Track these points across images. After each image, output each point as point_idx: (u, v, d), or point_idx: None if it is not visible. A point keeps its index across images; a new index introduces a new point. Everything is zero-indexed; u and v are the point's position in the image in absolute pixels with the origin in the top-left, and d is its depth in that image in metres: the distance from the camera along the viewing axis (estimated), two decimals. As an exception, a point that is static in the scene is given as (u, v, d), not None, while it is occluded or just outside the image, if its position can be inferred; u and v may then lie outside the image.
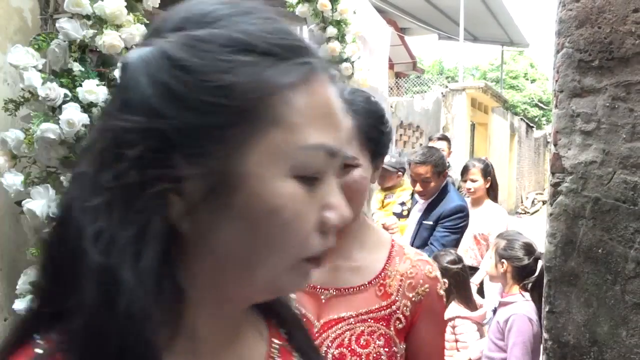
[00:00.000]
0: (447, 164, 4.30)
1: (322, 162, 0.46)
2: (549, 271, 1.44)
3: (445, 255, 2.63)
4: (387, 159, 3.31)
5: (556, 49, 1.44)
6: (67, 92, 1.92)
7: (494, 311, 2.57)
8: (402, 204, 3.56)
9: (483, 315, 2.65)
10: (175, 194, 0.43)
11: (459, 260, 2.60)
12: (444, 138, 4.59)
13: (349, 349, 1.03)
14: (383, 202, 3.78)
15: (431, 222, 3.00)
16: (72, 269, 0.41)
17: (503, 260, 2.30)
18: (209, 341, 0.49)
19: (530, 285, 2.18)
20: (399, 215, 3.50)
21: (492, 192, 3.60)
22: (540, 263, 2.19)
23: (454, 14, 12.55)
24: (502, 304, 2.34)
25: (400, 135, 8.69)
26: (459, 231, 2.99)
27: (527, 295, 2.22)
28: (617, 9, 1.34)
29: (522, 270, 2.26)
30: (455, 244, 2.95)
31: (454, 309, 2.54)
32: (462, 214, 2.98)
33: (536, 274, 2.16)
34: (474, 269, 3.23)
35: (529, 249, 2.30)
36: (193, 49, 0.43)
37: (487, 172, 3.52)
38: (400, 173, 3.75)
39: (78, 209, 0.42)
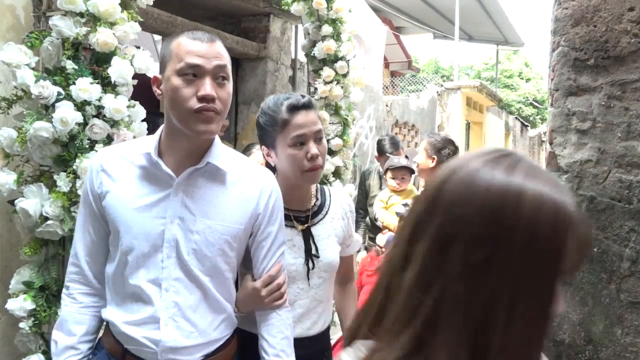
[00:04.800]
0: None
1: None
2: (544, 270, 1.44)
3: None
4: (403, 161, 3.35)
5: (552, 47, 1.44)
6: (61, 90, 1.90)
7: None
8: (405, 204, 3.56)
9: None
10: None
11: None
12: None
13: None
14: (387, 202, 3.79)
15: None
16: None
17: None
18: None
19: None
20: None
21: None
22: None
23: (449, 13, 12.55)
24: None
25: (396, 134, 8.69)
26: None
27: None
28: (612, 8, 1.34)
29: None
30: None
31: None
32: None
33: None
34: None
35: None
36: None
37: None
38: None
39: None
